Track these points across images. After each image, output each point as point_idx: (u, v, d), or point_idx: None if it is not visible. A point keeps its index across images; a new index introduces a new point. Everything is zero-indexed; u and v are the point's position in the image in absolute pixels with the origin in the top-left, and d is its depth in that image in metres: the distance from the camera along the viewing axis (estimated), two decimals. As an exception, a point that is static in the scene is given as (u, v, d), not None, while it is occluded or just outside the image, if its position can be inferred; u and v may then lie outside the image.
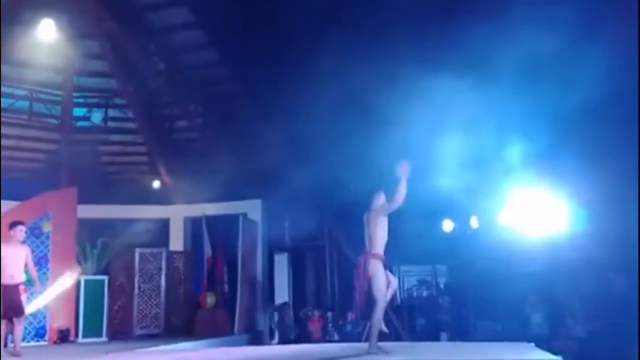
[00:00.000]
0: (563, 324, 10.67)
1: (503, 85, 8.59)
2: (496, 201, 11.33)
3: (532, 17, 8.32)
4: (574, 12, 8.04)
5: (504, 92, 8.74)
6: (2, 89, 13.24)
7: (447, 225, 13.21)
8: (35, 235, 10.22)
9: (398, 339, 12.87)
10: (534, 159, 9.55)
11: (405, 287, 15.13)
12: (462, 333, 12.54)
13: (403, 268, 15.17)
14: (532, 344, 6.66)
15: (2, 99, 13.32)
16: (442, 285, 14.78)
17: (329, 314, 13.78)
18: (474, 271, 12.43)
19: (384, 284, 5.83)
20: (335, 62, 10.09)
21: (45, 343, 10.15)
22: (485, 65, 8.63)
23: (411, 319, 13.98)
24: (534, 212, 10.81)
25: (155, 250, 12.60)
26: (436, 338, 12.60)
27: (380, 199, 6.04)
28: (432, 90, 8.67)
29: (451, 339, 12.51)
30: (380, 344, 6.08)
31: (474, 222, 12.76)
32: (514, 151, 9.66)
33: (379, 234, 5.89)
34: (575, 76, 8.14)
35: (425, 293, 14.70)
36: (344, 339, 12.71)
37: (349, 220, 13.34)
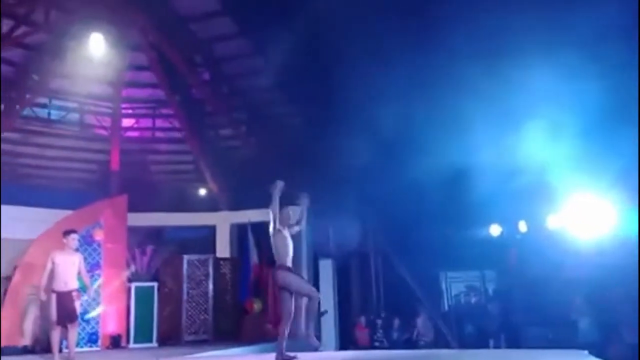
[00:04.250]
0: (615, 330, 10.31)
1: (554, 87, 8.40)
2: (545, 204, 11.07)
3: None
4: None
5: (555, 93, 8.55)
6: (55, 102, 13.73)
7: (495, 230, 12.95)
8: (87, 243, 10.51)
9: (446, 346, 12.70)
10: (584, 161, 9.29)
11: (453, 294, 14.91)
12: (512, 340, 12.25)
13: (450, 274, 14.98)
14: (586, 352, 6.45)
15: (54, 112, 13.81)
16: (490, 292, 14.48)
17: (378, 321, 13.70)
18: (523, 276, 12.15)
19: (301, 282, 6.22)
20: (381, 68, 10.06)
21: (98, 349, 10.41)
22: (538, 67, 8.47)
23: (459, 326, 13.74)
24: (584, 215, 10.52)
25: (202, 257, 12.76)
26: (485, 345, 12.35)
27: (288, 215, 6.48)
28: (484, 93, 8.56)
29: (501, 346, 12.23)
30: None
31: (522, 226, 12.48)
32: (563, 153, 9.43)
33: (279, 247, 6.29)
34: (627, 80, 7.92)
35: (473, 299, 14.43)
36: (391, 346, 12.61)
37: (394, 227, 13.29)
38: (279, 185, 6.38)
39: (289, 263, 6.31)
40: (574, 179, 9.78)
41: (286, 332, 6.23)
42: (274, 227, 6.33)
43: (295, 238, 12.97)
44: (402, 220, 12.09)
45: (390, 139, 10.49)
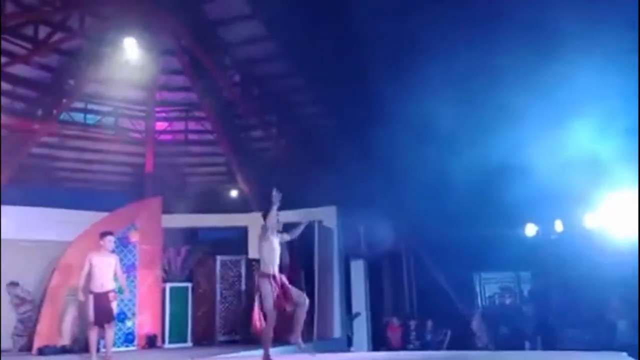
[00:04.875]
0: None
1: (599, 83, 8.22)
2: (582, 203, 10.85)
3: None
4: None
5: (600, 90, 8.36)
6: (90, 106, 14.00)
7: (530, 230, 12.73)
8: (123, 244, 10.68)
9: (479, 347, 12.55)
10: (621, 158, 9.08)
11: (487, 295, 14.72)
12: (548, 342, 12.04)
13: (484, 275, 14.80)
14: (624, 354, 6.31)
15: (90, 116, 14.08)
16: (525, 293, 14.25)
17: (412, 323, 13.62)
18: (559, 277, 11.94)
19: (268, 299, 6.26)
20: (416, 64, 9.99)
21: (134, 348, 10.57)
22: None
23: (493, 328, 13.56)
24: (621, 214, 10.27)
25: (235, 257, 12.85)
26: (520, 347, 12.16)
27: (272, 218, 6.54)
28: (525, 89, 8.43)
29: (537, 348, 12.03)
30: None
31: (558, 226, 12.24)
32: (602, 151, 9.22)
33: (263, 253, 6.41)
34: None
35: (508, 301, 14.22)
36: (424, 347, 12.52)
37: (426, 227, 13.18)
38: (279, 196, 6.50)
39: (273, 270, 6.38)
40: (612, 177, 9.57)
41: (270, 335, 6.35)
42: (264, 234, 6.43)
43: (327, 238, 13.09)
44: (435, 220, 11.98)
45: (423, 137, 10.41)
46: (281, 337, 11.55)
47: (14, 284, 10.44)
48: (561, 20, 8.42)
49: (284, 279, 6.48)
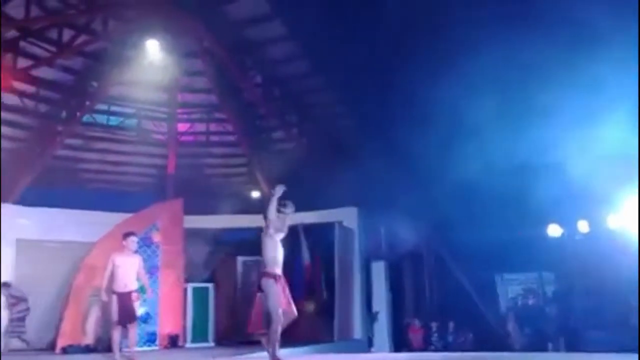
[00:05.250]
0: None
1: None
2: (606, 204, 10.68)
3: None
4: None
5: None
6: (113, 108, 14.17)
7: (554, 230, 12.57)
8: (146, 245, 10.78)
9: (501, 349, 12.43)
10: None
11: (510, 296, 14.57)
12: (571, 343, 11.89)
13: (507, 276, 14.66)
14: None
15: (113, 118, 14.25)
16: (549, 294, 14.08)
17: (434, 324, 13.54)
18: (583, 278, 11.77)
19: (277, 299, 6.09)
20: (438, 63, 9.91)
21: (156, 348, 10.66)
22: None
23: (514, 329, 13.42)
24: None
25: (256, 258, 12.83)
26: (543, 348, 12.02)
27: (283, 221, 6.52)
28: (551, 90, 8.31)
29: (559, 349, 11.89)
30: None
31: (583, 227, 12.07)
32: (628, 151, 9.06)
33: (268, 253, 6.28)
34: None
35: (531, 302, 14.06)
36: (445, 349, 12.44)
37: (448, 227, 13.08)
38: (280, 189, 6.45)
39: (278, 270, 6.29)
40: (637, 177, 9.39)
41: (278, 334, 6.20)
42: (266, 232, 6.35)
43: (348, 239, 13.07)
44: (457, 221, 11.89)
45: (446, 137, 10.34)
46: (299, 337, 11.61)
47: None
48: (595, 17, 8.27)
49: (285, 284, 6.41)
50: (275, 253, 6.34)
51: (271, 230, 6.38)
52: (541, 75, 8.91)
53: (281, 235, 6.55)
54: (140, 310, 10.32)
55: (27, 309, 10.50)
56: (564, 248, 12.36)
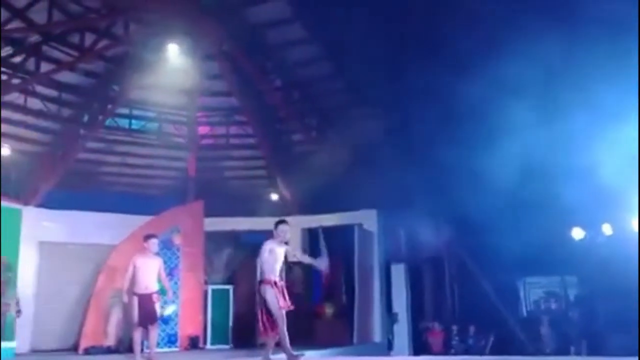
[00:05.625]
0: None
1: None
2: (631, 206, 10.49)
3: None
4: None
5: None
6: (135, 112, 14.31)
7: (577, 233, 12.40)
8: (167, 247, 10.83)
9: (522, 352, 12.29)
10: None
11: (532, 300, 14.41)
12: (594, 347, 11.70)
13: (529, 280, 14.50)
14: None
15: (134, 121, 14.39)
16: (572, 298, 13.88)
17: (454, 328, 13.43)
18: (607, 282, 11.57)
19: (275, 301, 6.28)
20: (456, 65, 9.82)
21: (176, 349, 10.71)
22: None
23: (538, 333, 13.25)
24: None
25: (275, 260, 12.87)
26: (565, 352, 11.86)
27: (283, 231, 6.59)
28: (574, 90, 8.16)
29: (582, 353, 11.71)
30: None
31: (606, 230, 11.88)
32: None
33: (269, 262, 6.37)
34: None
35: (553, 305, 13.89)
36: (466, 352, 12.33)
37: (469, 230, 12.96)
38: (322, 263, 7.19)
39: (275, 278, 6.40)
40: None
41: (286, 334, 6.38)
42: (268, 246, 6.45)
43: (368, 242, 13.02)
44: (478, 223, 11.78)
45: (467, 139, 10.25)
46: (319, 340, 11.60)
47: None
48: (628, 17, 8.11)
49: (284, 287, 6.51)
50: (274, 264, 6.45)
51: (271, 242, 6.47)
52: (567, 77, 8.76)
53: (288, 249, 6.68)
54: (170, 309, 10.47)
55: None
56: (587, 251, 12.18)
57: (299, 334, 12.30)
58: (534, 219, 10.75)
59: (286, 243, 6.62)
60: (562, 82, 8.76)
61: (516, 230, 10.67)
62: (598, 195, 9.58)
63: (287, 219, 14.02)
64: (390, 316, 13.49)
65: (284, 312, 6.34)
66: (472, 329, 13.29)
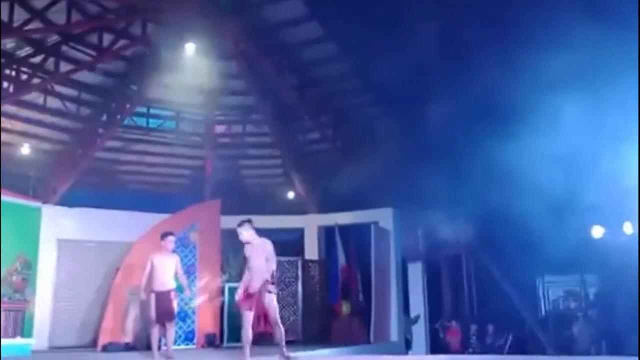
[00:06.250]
0: None
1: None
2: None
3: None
4: None
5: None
6: (153, 111, 14.41)
7: (597, 232, 12.24)
8: (184, 245, 10.88)
9: (542, 352, 12.17)
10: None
11: (551, 299, 14.27)
12: (614, 347, 11.54)
13: (547, 278, 14.36)
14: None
15: (152, 120, 14.50)
16: (591, 297, 13.72)
17: (473, 327, 13.35)
18: (627, 281, 11.40)
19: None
20: (473, 68, 9.74)
21: (193, 347, 10.75)
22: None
23: (557, 332, 13.12)
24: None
25: (291, 258, 12.90)
26: (585, 352, 11.71)
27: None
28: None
29: (601, 353, 11.56)
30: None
31: (627, 228, 11.72)
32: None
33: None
34: None
35: (572, 305, 13.75)
36: (484, 351, 12.23)
37: (487, 228, 12.86)
38: None
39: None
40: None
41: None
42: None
43: (384, 240, 12.97)
44: (496, 221, 11.68)
45: (484, 137, 10.15)
46: (335, 339, 11.58)
47: None
48: None
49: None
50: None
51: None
52: (597, 77, 8.61)
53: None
54: (193, 304, 10.54)
55: None
56: (607, 250, 12.02)
57: (315, 332, 12.40)
58: (553, 217, 10.63)
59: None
60: (591, 81, 8.61)
61: (535, 228, 10.55)
62: (619, 193, 9.45)
63: (304, 216, 14.15)
64: (409, 319, 13.43)
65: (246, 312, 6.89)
66: (490, 328, 13.20)
